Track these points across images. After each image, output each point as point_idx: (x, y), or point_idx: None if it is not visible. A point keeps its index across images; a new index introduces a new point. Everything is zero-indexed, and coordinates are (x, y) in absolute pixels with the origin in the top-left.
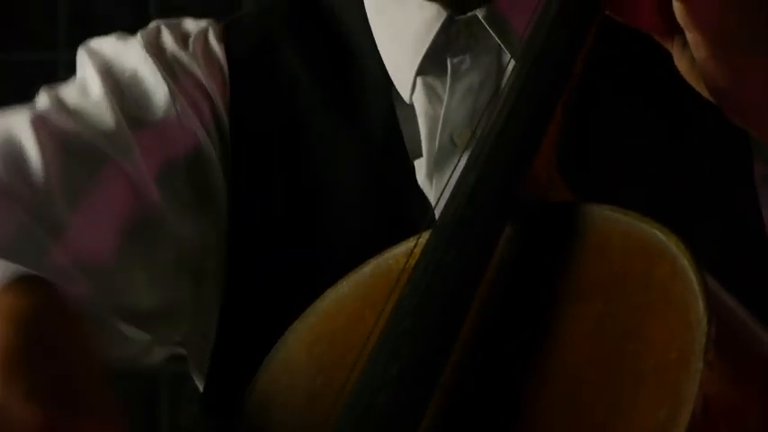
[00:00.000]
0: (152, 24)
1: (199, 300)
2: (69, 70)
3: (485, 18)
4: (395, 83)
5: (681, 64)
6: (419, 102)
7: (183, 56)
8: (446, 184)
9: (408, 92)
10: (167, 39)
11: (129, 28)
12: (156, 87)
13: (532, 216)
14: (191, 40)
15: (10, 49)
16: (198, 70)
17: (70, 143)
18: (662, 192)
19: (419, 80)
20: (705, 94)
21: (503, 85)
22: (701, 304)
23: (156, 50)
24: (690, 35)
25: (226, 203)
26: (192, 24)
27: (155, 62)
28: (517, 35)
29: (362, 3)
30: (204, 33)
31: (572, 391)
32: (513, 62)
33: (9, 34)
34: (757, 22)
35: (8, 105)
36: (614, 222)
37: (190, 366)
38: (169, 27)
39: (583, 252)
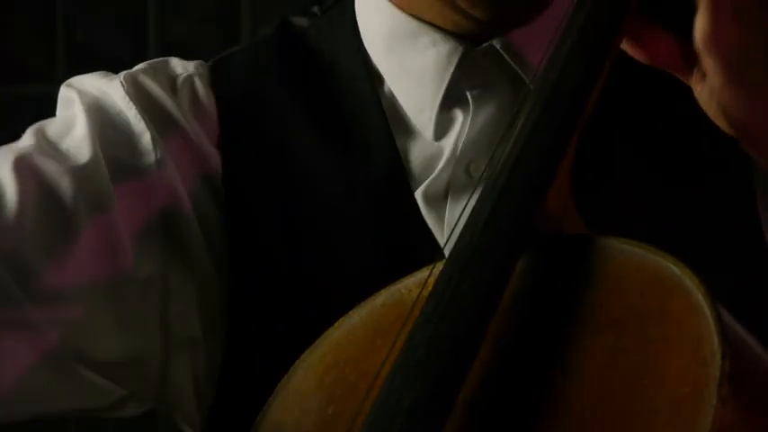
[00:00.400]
0: (137, 67)
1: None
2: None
3: (502, 48)
4: (414, 121)
5: (701, 96)
6: (441, 137)
7: (169, 104)
8: (460, 215)
9: (431, 129)
10: (152, 84)
11: (129, 61)
12: (140, 134)
13: (547, 248)
14: (177, 85)
15: (7, 83)
16: (184, 119)
17: (50, 192)
18: (674, 225)
19: (442, 115)
20: (724, 126)
21: (516, 117)
22: (715, 339)
23: (140, 97)
24: (709, 63)
25: (209, 258)
26: (179, 67)
27: (138, 109)
28: (532, 67)
29: (358, 36)
30: (191, 79)
31: (586, 425)
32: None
33: (6, 67)
34: None
35: (5, 138)
36: (628, 255)
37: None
38: (155, 71)
39: (597, 285)
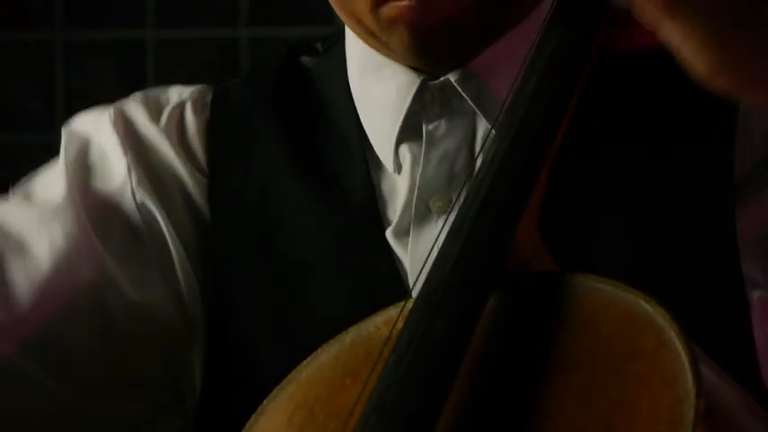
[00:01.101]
0: (133, 95)
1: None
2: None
3: (457, 82)
4: (378, 153)
5: (683, 59)
6: (400, 170)
7: (149, 131)
8: (429, 253)
9: (391, 162)
10: (138, 113)
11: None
12: (117, 160)
13: (517, 285)
14: (163, 113)
15: (8, 130)
16: (167, 148)
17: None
18: (646, 261)
19: (400, 148)
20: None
21: (480, 152)
22: (689, 377)
23: (123, 125)
24: (681, 27)
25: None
26: (175, 94)
27: (118, 137)
28: (494, 98)
29: (346, 72)
30: (182, 106)
31: None
32: (489, 128)
33: (7, 115)
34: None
35: (8, 187)
36: (599, 292)
37: None
38: (146, 99)
39: (568, 322)
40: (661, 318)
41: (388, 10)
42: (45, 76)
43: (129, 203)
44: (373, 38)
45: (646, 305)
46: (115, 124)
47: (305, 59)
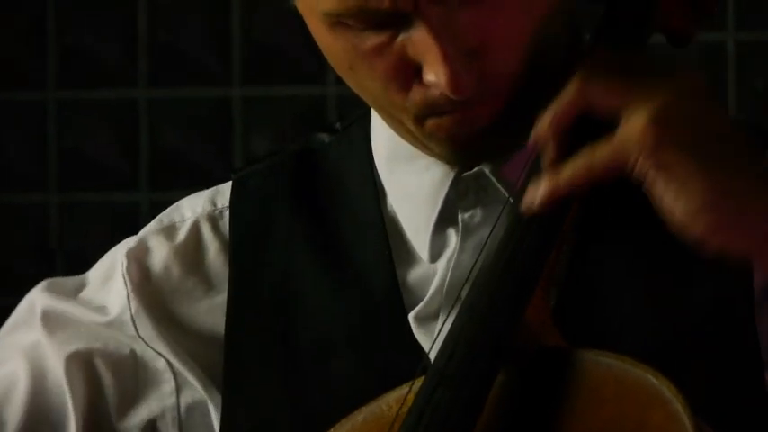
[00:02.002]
0: (146, 229)
1: None
2: (62, 214)
3: (492, 172)
4: (412, 242)
5: (663, 204)
6: (436, 258)
7: (163, 282)
8: (439, 331)
9: (426, 250)
10: (153, 259)
11: (123, 171)
12: (123, 313)
13: (526, 361)
14: (177, 243)
15: (1, 190)
16: (184, 274)
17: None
18: (662, 343)
19: (437, 236)
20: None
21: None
22: None
23: (135, 276)
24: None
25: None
26: (187, 211)
27: (130, 288)
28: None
29: (370, 153)
30: (197, 226)
31: None
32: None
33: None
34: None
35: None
36: (606, 367)
37: None
38: (158, 233)
39: (576, 398)
40: (667, 391)
41: (430, 123)
42: (38, 136)
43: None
44: (413, 138)
45: (653, 379)
46: (129, 272)
47: (323, 136)
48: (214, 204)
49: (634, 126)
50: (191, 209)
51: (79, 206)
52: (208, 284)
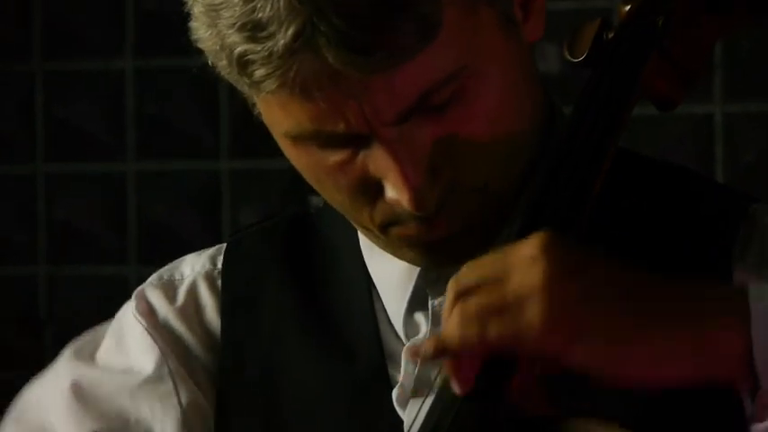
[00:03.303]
0: (151, 278)
1: None
2: (51, 286)
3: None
4: (392, 319)
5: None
6: (409, 338)
7: (171, 318)
8: (420, 408)
9: (402, 332)
10: (156, 299)
11: (111, 243)
12: (150, 349)
13: (514, 429)
14: (179, 294)
15: None
16: (184, 328)
17: None
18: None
19: (410, 320)
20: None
21: None
22: None
23: (146, 314)
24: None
25: None
26: (188, 268)
27: (145, 325)
28: None
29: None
30: (195, 283)
31: None
32: None
33: None
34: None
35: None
36: None
37: None
38: (161, 282)
39: None
40: None
41: (396, 231)
42: (27, 208)
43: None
44: (383, 244)
45: None
46: (139, 311)
47: (317, 200)
48: (214, 263)
49: (533, 312)
50: (191, 267)
51: (68, 278)
52: (207, 344)
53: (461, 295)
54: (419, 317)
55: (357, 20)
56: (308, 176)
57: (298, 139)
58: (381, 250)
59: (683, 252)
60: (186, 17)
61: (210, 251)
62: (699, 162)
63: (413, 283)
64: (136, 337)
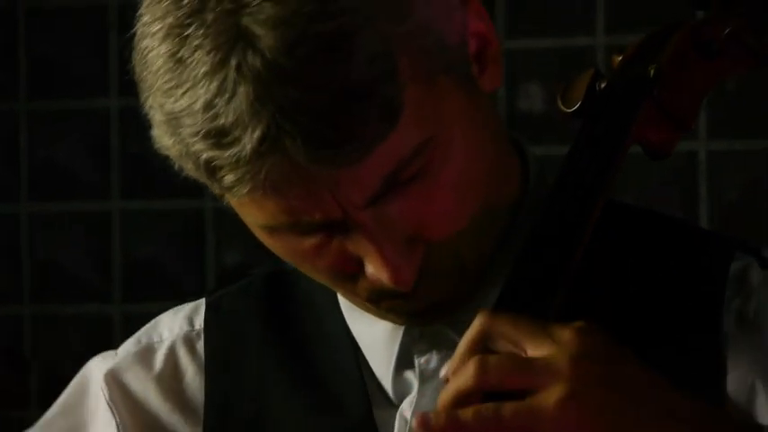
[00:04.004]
0: (123, 349)
1: None
2: (35, 325)
3: (446, 323)
4: (380, 380)
5: None
6: (401, 400)
7: (144, 390)
8: None
9: (391, 393)
10: (131, 379)
11: (95, 285)
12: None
13: None
14: (156, 364)
15: None
16: (160, 401)
17: None
18: None
19: (397, 379)
20: None
21: None
22: None
23: (119, 398)
24: None
25: None
26: (165, 331)
27: (115, 411)
28: None
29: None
30: (174, 347)
31: None
32: None
33: None
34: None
35: None
36: None
37: None
38: (137, 350)
39: None
40: None
41: (385, 304)
42: (11, 247)
43: None
44: (372, 311)
45: None
46: (112, 396)
47: None
48: (192, 324)
49: (548, 400)
50: (168, 329)
51: (53, 317)
52: (185, 410)
53: (479, 343)
54: (408, 375)
55: (321, 115)
56: (287, 260)
57: (274, 230)
58: (361, 316)
59: (671, 305)
60: None
61: (186, 310)
62: (683, 200)
63: (398, 343)
64: (99, 406)
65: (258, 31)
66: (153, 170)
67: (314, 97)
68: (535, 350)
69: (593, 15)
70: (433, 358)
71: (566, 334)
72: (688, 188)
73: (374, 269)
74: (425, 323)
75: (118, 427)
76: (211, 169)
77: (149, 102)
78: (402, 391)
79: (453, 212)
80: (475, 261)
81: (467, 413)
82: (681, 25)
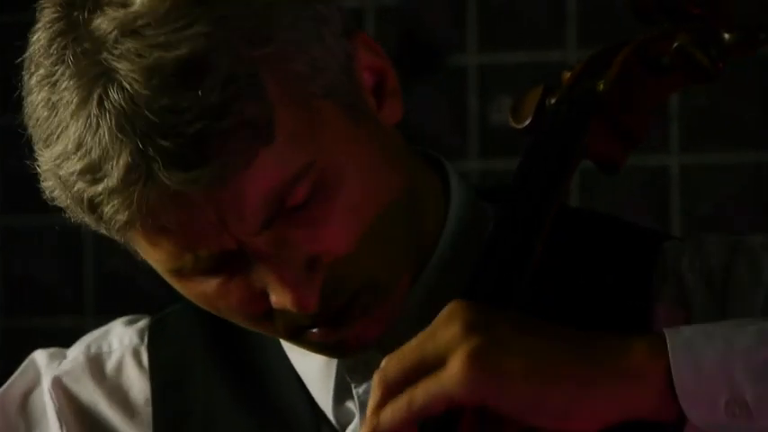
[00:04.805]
0: (71, 354)
1: None
2: (8, 339)
3: (377, 348)
4: (323, 409)
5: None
6: (344, 429)
7: (93, 396)
8: None
9: (333, 418)
10: (79, 387)
11: (66, 294)
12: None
13: None
14: (106, 372)
15: None
16: (108, 409)
17: None
18: None
19: (338, 408)
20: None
21: None
22: None
23: (65, 403)
24: None
25: None
26: (115, 341)
27: (60, 415)
28: None
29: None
30: (123, 359)
31: None
32: None
33: None
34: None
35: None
36: None
37: None
38: (87, 358)
39: None
40: None
41: (305, 337)
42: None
43: None
44: (295, 344)
45: None
46: (57, 400)
47: None
48: (141, 338)
49: (453, 365)
50: (119, 339)
51: (26, 331)
52: (134, 420)
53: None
54: (349, 404)
55: (180, 137)
56: (201, 305)
57: (182, 273)
58: (295, 350)
59: (604, 297)
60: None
61: (139, 324)
62: (655, 214)
63: (334, 375)
64: (46, 414)
65: (117, 65)
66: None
67: (172, 121)
68: (425, 349)
69: (564, 30)
70: (371, 386)
71: (439, 320)
72: (660, 202)
73: (276, 295)
74: (352, 353)
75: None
76: (93, 207)
77: (37, 156)
78: (345, 421)
79: (350, 235)
80: (387, 278)
81: (384, 414)
82: (628, 42)
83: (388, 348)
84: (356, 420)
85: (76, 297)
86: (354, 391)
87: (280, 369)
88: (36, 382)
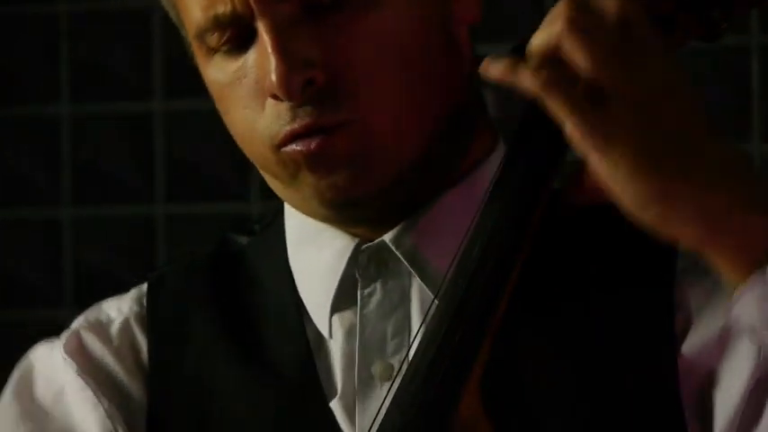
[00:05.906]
0: (76, 323)
1: None
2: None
3: (392, 242)
4: (315, 322)
5: (612, 190)
6: (337, 339)
7: (108, 359)
8: (372, 423)
9: (327, 330)
10: (91, 341)
11: (45, 287)
12: (82, 390)
13: None
14: (112, 335)
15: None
16: (121, 370)
17: None
18: (590, 428)
19: (336, 316)
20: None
21: (423, 322)
22: None
23: (79, 356)
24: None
25: None
26: (113, 311)
27: (77, 368)
28: (430, 258)
29: (287, 258)
30: (127, 323)
31: None
32: (425, 288)
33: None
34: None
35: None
36: None
37: None
38: (88, 323)
39: None
40: None
41: (287, 150)
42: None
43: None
44: (284, 186)
45: None
46: (71, 354)
47: (241, 239)
48: (141, 305)
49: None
50: (117, 309)
51: (5, 323)
52: (143, 381)
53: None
54: (349, 311)
55: None
56: (217, 99)
57: (201, 41)
58: (310, 246)
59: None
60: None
61: (132, 294)
62: None
63: (341, 271)
64: (70, 382)
65: None
66: (104, 177)
67: None
68: None
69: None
70: (378, 289)
71: None
72: None
73: (269, 72)
74: (346, 206)
75: (95, 393)
76: None
77: None
78: (342, 328)
79: (366, 63)
80: (384, 129)
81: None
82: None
83: (404, 243)
84: (357, 322)
85: (55, 289)
86: (359, 293)
87: (279, 307)
88: (47, 366)
